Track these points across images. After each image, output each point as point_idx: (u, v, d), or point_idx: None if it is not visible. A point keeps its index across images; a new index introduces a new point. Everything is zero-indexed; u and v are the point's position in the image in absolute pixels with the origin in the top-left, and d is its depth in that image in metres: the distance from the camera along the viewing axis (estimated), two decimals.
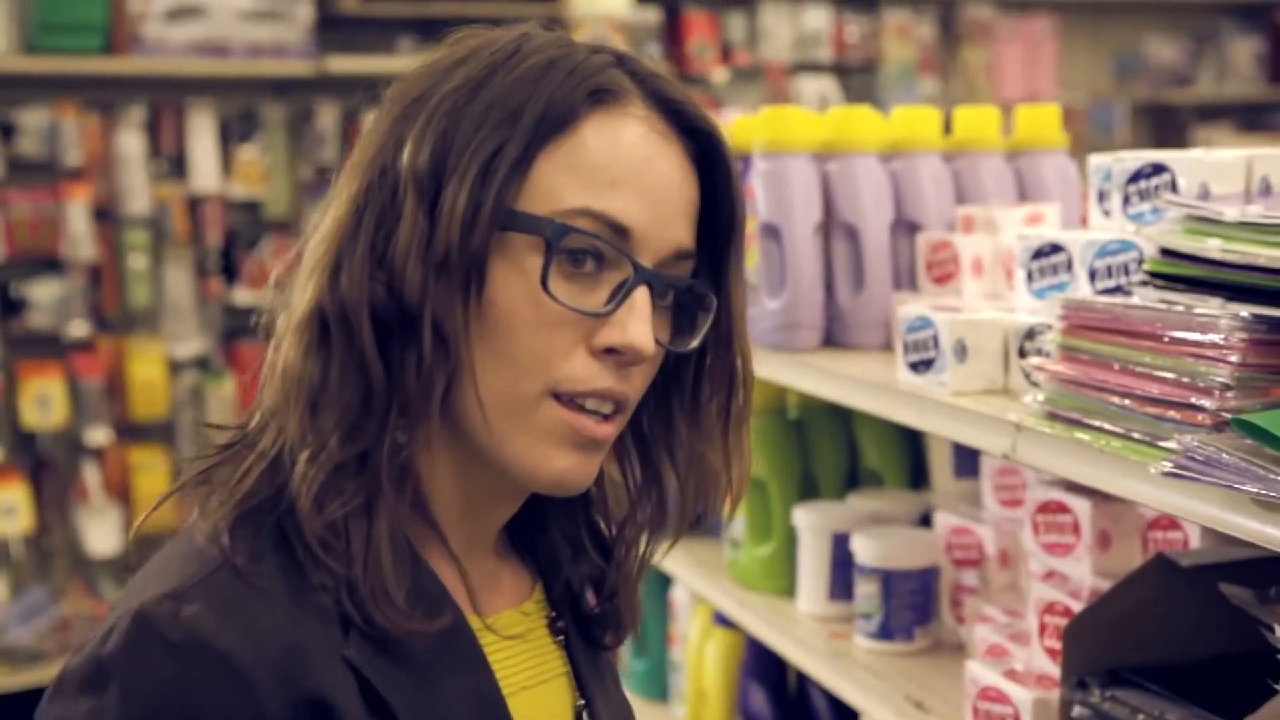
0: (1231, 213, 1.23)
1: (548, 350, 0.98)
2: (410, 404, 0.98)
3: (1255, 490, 1.05)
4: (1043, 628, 1.54)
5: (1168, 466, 1.12)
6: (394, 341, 0.98)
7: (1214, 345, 1.16)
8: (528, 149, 0.98)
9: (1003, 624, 1.64)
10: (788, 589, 2.00)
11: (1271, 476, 1.05)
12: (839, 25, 6.06)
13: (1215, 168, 1.40)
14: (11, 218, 4.52)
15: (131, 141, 4.67)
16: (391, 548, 0.96)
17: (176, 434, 4.86)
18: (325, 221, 1.01)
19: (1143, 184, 1.46)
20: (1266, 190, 1.40)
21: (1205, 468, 1.10)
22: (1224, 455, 1.09)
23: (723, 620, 2.17)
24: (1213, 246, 1.22)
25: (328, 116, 4.94)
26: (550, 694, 1.09)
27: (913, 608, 1.78)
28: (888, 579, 1.77)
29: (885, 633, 1.78)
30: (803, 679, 2.02)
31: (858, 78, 6.11)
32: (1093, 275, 1.47)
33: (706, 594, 2.15)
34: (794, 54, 5.98)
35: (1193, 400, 1.16)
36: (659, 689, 2.45)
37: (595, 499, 1.14)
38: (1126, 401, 1.23)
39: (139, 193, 4.68)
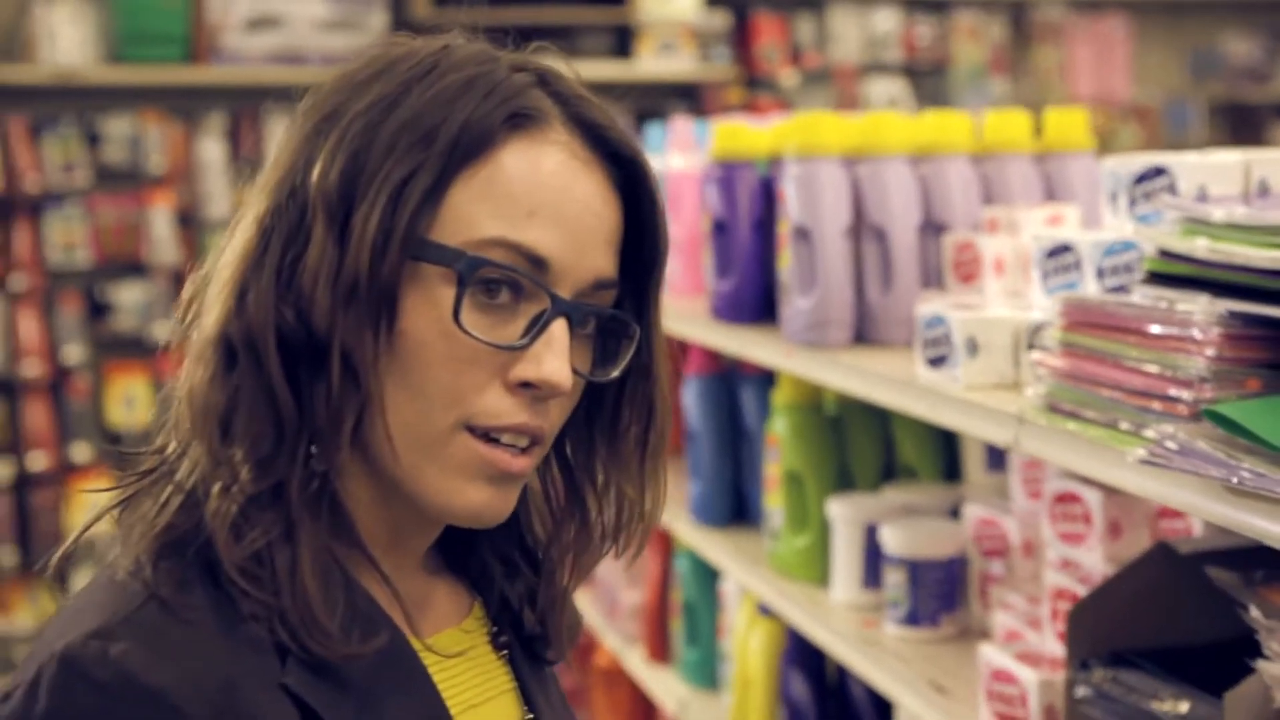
0: (1219, 214, 1.28)
1: (461, 384, 0.95)
2: (321, 434, 0.95)
3: (1218, 475, 1.10)
4: (1054, 613, 1.60)
5: (1143, 454, 1.18)
6: (303, 369, 0.94)
7: (1192, 339, 1.21)
8: (441, 175, 0.95)
9: (1022, 611, 1.69)
10: (824, 579, 2.07)
11: (1236, 464, 1.10)
12: (909, 27, 6.09)
13: (1214, 170, 1.44)
14: (98, 224, 4.68)
15: (212, 148, 4.82)
16: (318, 573, 0.93)
17: None
18: (233, 242, 0.97)
19: (1146, 186, 1.51)
20: (1264, 192, 1.45)
21: (1178, 456, 1.16)
22: (1197, 444, 1.15)
23: (766, 610, 2.23)
24: (1201, 246, 1.27)
25: None
26: (497, 711, 1.07)
27: (939, 596, 1.84)
28: (914, 568, 1.83)
29: (913, 620, 1.85)
30: (841, 666, 2.08)
31: (928, 79, 6.13)
32: (1100, 274, 1.52)
33: (750, 584, 2.22)
34: (863, 56, 6.01)
35: (1171, 392, 1.21)
36: (709, 678, 2.52)
37: (523, 518, 1.12)
38: (1116, 394, 1.29)
39: (220, 198, 4.82)
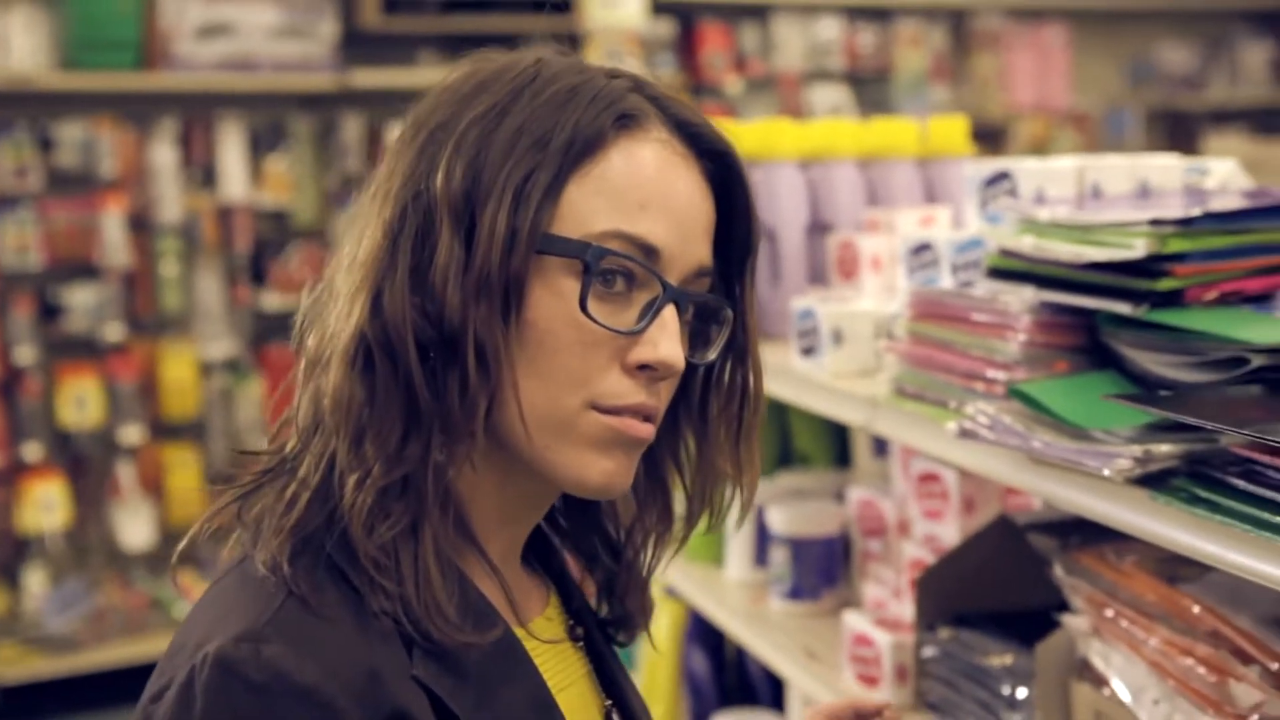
0: (1045, 214, 1.41)
1: (585, 368, 1.00)
2: (453, 424, 0.99)
3: (1018, 446, 1.23)
4: (912, 583, 1.72)
5: (957, 429, 1.31)
6: (436, 364, 0.98)
7: (1008, 327, 1.34)
8: (558, 175, 0.99)
9: (890, 583, 1.82)
10: (722, 560, 2.19)
11: (1032, 436, 1.23)
12: (851, 35, 6.19)
13: (1050, 175, 1.58)
14: (51, 227, 4.76)
15: (164, 154, 4.90)
16: (438, 564, 0.97)
17: (207, 433, 5.07)
18: (360, 249, 1.01)
19: (994, 189, 1.64)
20: (1097, 194, 1.58)
21: (987, 430, 1.29)
22: (1003, 419, 1.28)
23: (672, 592, 2.36)
24: (1028, 243, 1.40)
25: (352, 128, 5.15)
26: (580, 695, 1.11)
27: (819, 572, 1.96)
28: (796, 546, 1.96)
29: (795, 594, 1.97)
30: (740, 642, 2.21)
31: (870, 86, 6.24)
32: (954, 270, 1.65)
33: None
34: (807, 64, 6.11)
35: (989, 374, 1.34)
36: (626, 659, 2.64)
37: (604, 507, 1.16)
38: (949, 376, 1.42)
39: (171, 202, 4.90)
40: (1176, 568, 1.28)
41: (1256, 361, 1.12)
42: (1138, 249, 1.24)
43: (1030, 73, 6.53)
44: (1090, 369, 1.32)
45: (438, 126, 1.01)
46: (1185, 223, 1.24)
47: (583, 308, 0.99)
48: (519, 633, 1.04)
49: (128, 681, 4.57)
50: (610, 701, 1.13)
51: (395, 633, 0.95)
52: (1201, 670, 1.20)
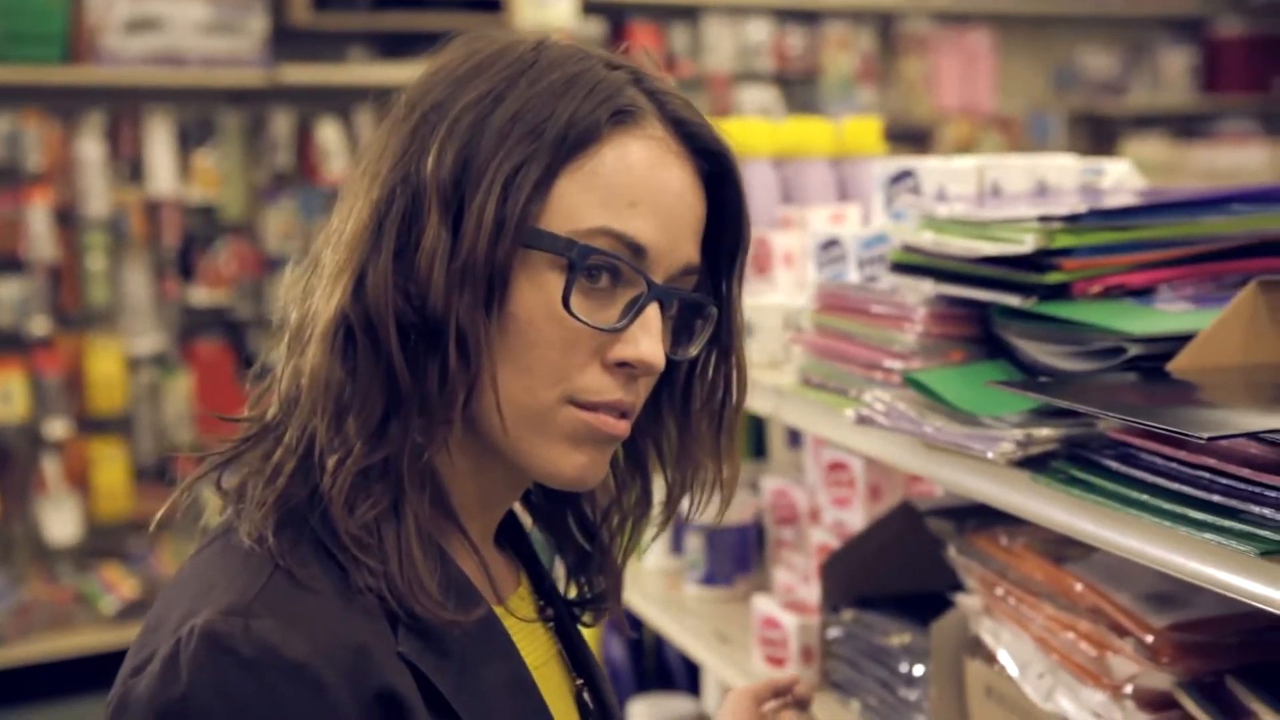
0: (944, 210, 1.47)
1: (565, 363, 1.00)
2: (432, 409, 0.98)
3: (910, 431, 1.29)
4: (819, 568, 1.78)
5: (853, 415, 1.37)
6: (417, 348, 0.98)
7: (905, 318, 1.40)
8: (549, 167, 0.98)
9: (800, 568, 1.87)
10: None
11: (924, 422, 1.29)
12: (780, 37, 6.26)
13: (952, 173, 1.64)
14: None
15: (91, 147, 4.88)
16: (420, 543, 0.97)
17: (134, 427, 5.06)
18: (347, 227, 1.00)
19: (898, 186, 1.70)
20: (996, 192, 1.64)
21: (883, 416, 1.35)
22: (898, 406, 1.34)
23: None
24: (927, 239, 1.46)
25: (282, 124, 5.15)
26: (552, 675, 1.11)
27: (733, 559, 2.02)
28: (710, 535, 2.01)
29: (709, 580, 2.02)
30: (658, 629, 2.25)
31: (799, 88, 6.31)
32: (860, 265, 1.71)
33: None
34: (736, 65, 6.18)
35: (886, 363, 1.40)
36: None
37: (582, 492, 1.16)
38: (850, 366, 1.48)
39: (98, 196, 4.89)
40: (1064, 549, 1.34)
41: (1133, 351, 1.19)
42: (1027, 244, 1.30)
43: (956, 76, 6.64)
44: (984, 359, 1.38)
45: (431, 108, 1.00)
46: (1072, 219, 1.30)
47: (565, 305, 0.99)
48: (498, 611, 1.05)
49: (53, 675, 4.60)
50: (581, 681, 1.15)
51: (380, 609, 0.95)
52: (1083, 645, 1.26)
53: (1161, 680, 1.19)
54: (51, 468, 4.85)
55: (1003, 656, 1.34)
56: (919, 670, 1.50)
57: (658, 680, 2.32)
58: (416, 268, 0.97)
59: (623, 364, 1.01)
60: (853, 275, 1.71)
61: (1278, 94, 6.90)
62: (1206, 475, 1.02)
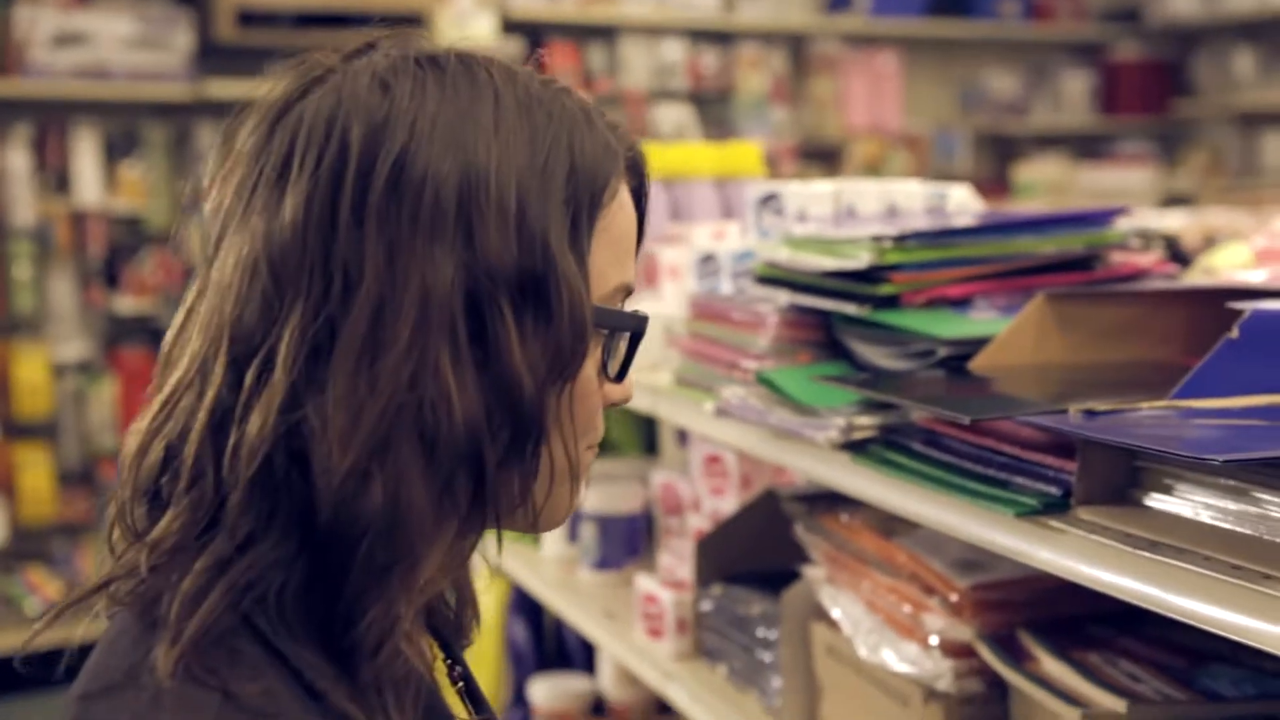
0: (800, 229, 1.66)
1: (597, 419, 0.98)
2: (509, 509, 0.92)
3: (757, 421, 1.48)
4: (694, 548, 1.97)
5: (712, 408, 1.56)
6: (503, 455, 0.89)
7: (759, 324, 1.59)
8: (589, 233, 0.92)
9: (680, 551, 2.06)
10: (539, 540, 2.42)
11: (769, 413, 1.48)
12: (695, 56, 6.45)
13: (812, 196, 1.83)
14: None
15: (17, 159, 4.99)
16: (417, 688, 0.90)
17: (59, 433, 5.17)
18: (401, 335, 0.85)
19: (765, 207, 1.89)
20: (851, 214, 1.84)
21: (737, 408, 1.54)
22: (750, 400, 1.53)
23: (496, 570, 2.58)
24: (784, 254, 1.65)
25: (206, 137, 5.29)
26: None
27: (623, 545, 2.20)
28: (602, 523, 2.19)
29: (601, 565, 2.21)
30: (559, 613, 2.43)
31: (713, 106, 6.50)
32: (734, 277, 1.90)
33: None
34: (652, 83, 6.36)
35: (743, 363, 1.59)
36: None
37: None
38: (715, 366, 1.67)
39: (25, 206, 5.00)
40: (893, 524, 1.54)
41: (942, 352, 1.38)
42: (862, 260, 1.49)
43: (865, 96, 6.86)
44: (827, 360, 1.57)
45: (447, 178, 0.88)
46: (900, 239, 1.50)
47: (622, 375, 0.98)
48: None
49: None
50: None
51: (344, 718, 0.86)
52: (903, 605, 1.46)
53: (964, 633, 1.39)
54: None
55: (839, 618, 1.53)
56: (773, 635, 1.69)
57: (557, 660, 2.50)
58: (501, 369, 0.87)
59: (616, 404, 1.00)
60: (726, 287, 1.90)
61: (1172, 115, 7.19)
62: (988, 453, 1.22)
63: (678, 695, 1.84)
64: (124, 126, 5.24)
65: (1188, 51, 7.20)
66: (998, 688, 1.38)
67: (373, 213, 0.86)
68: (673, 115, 6.38)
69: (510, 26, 5.99)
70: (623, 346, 0.98)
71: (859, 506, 1.58)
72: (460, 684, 1.08)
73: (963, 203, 1.86)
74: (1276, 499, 0.96)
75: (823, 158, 6.72)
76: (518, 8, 5.96)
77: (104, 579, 0.89)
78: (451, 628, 1.09)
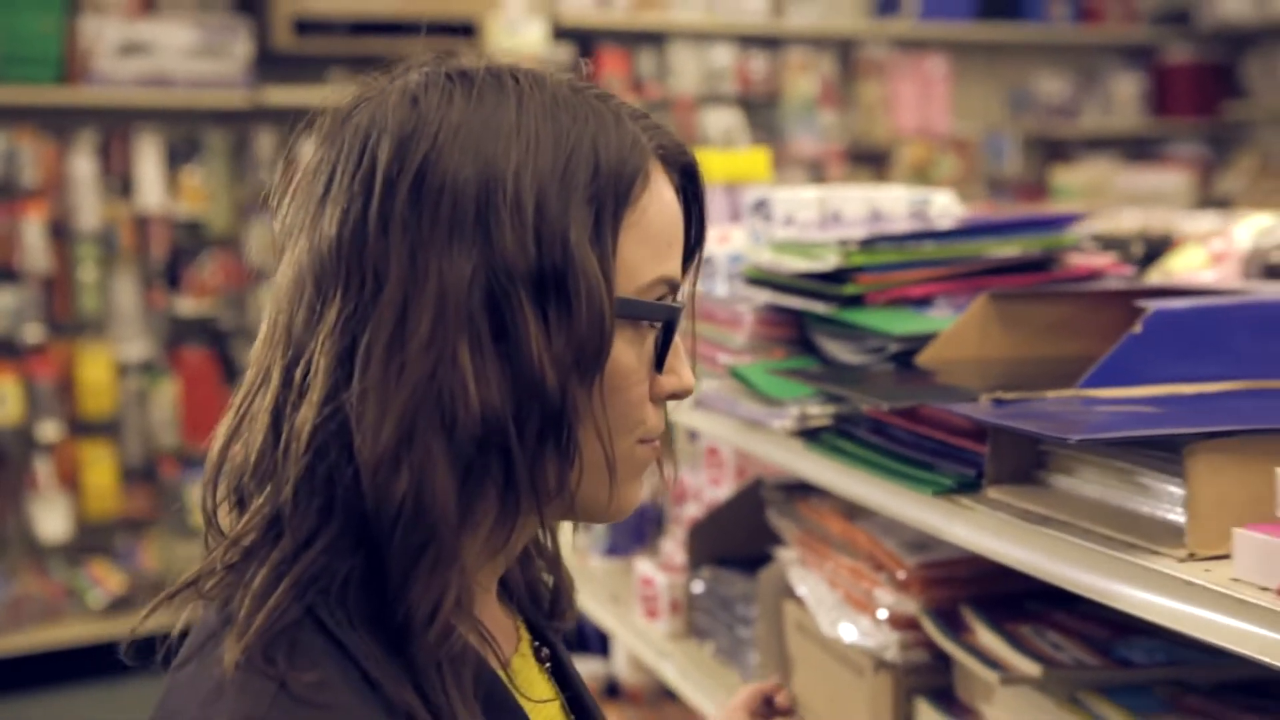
0: (782, 234, 1.77)
1: (639, 411, 0.99)
2: (547, 499, 0.94)
3: (726, 410, 1.59)
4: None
5: (692, 402, 1.67)
6: (534, 445, 0.93)
7: (737, 322, 1.70)
8: (615, 229, 0.95)
9: (680, 538, 2.17)
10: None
11: (740, 405, 1.59)
12: (744, 61, 6.54)
13: (800, 202, 1.93)
14: None
15: (83, 164, 5.18)
16: (474, 672, 0.93)
17: (122, 431, 5.34)
18: (419, 328, 0.90)
19: (757, 213, 2.00)
20: (838, 219, 1.94)
21: (714, 400, 1.65)
22: (724, 392, 1.64)
23: None
24: (767, 257, 1.76)
25: (265, 143, 5.45)
26: None
27: (632, 534, 2.32)
28: None
29: (610, 551, 2.33)
30: None
31: (762, 111, 6.58)
32: (729, 278, 2.01)
33: None
34: (701, 88, 6.44)
35: (721, 359, 1.70)
36: None
37: None
38: (701, 362, 1.78)
39: (90, 211, 5.18)
40: (857, 509, 1.64)
41: (893, 348, 1.49)
42: (830, 262, 1.60)
43: (913, 100, 6.91)
44: (799, 355, 1.68)
45: (468, 181, 0.92)
46: (866, 242, 1.60)
47: (659, 367, 1.00)
48: (505, 680, 1.00)
49: (43, 666, 4.86)
50: None
51: (401, 706, 0.89)
52: (861, 584, 1.56)
53: (911, 607, 1.49)
54: (44, 468, 5.11)
55: (804, 595, 1.64)
56: (752, 614, 1.80)
57: (576, 646, 2.62)
58: (522, 362, 0.91)
59: (671, 395, 1.02)
60: (721, 288, 2.01)
61: (1223, 118, 7.20)
62: (921, 439, 1.32)
63: (669, 672, 1.95)
64: (185, 133, 5.41)
65: (1239, 54, 7.21)
66: (944, 658, 1.48)
67: (397, 218, 0.92)
68: (722, 120, 6.47)
69: (561, 33, 6.10)
70: (663, 339, 1.00)
71: (827, 494, 1.68)
72: (548, 664, 1.10)
73: (945, 208, 1.96)
74: (1154, 478, 1.06)
75: (871, 161, 6.79)
76: (569, 14, 6.07)
77: (191, 576, 0.95)
78: (543, 612, 1.14)
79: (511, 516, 0.95)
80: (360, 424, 0.90)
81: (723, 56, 6.47)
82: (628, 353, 0.97)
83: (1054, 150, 7.30)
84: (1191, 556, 0.97)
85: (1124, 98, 7.38)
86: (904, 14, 6.78)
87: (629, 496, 1.02)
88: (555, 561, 1.15)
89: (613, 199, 0.95)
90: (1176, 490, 1.03)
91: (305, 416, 0.91)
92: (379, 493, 0.89)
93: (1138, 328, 1.23)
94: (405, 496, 0.89)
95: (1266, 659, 0.88)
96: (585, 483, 0.96)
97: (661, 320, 0.99)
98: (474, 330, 0.91)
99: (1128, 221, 3.00)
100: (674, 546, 2.16)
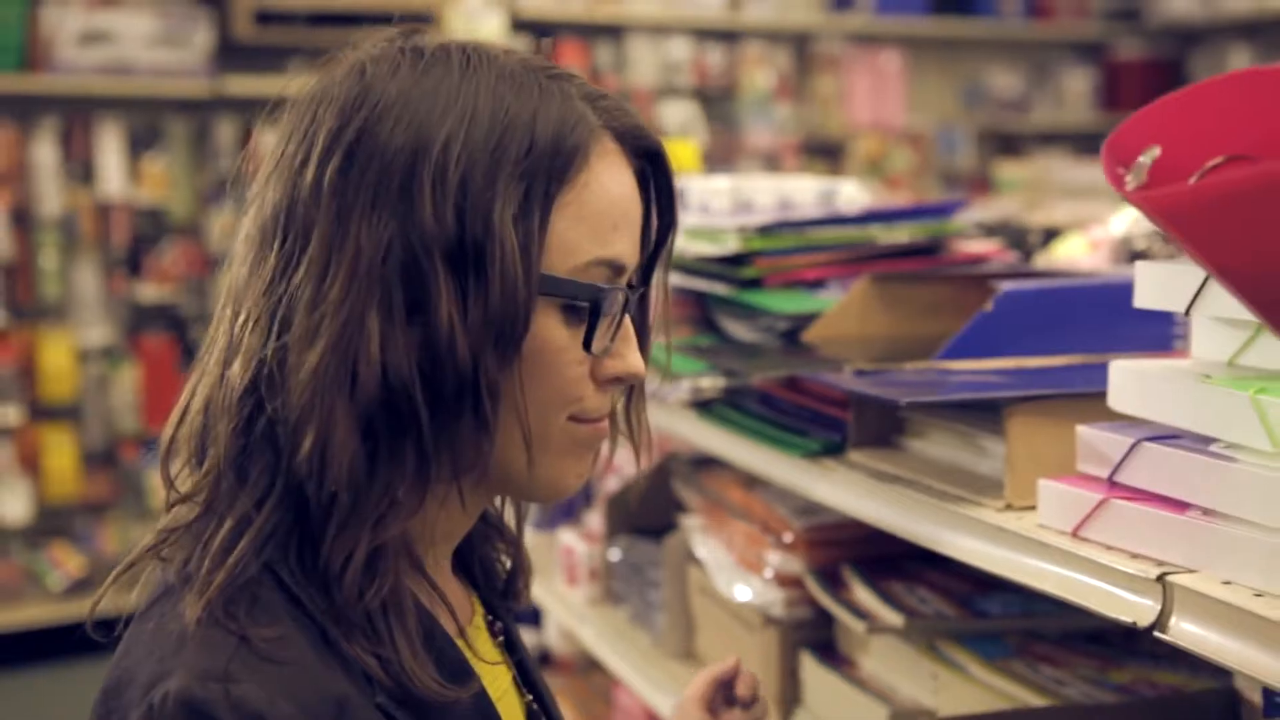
0: (692, 220, 1.88)
1: (571, 390, 0.99)
2: (464, 469, 0.96)
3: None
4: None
5: None
6: (444, 415, 0.94)
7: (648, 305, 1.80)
8: (545, 206, 0.95)
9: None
10: None
11: (665, 390, 1.70)
12: (700, 54, 6.63)
13: (713, 191, 2.04)
14: None
15: (45, 152, 5.24)
16: (420, 626, 0.96)
17: (83, 415, 5.40)
18: (330, 291, 0.92)
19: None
20: (749, 207, 2.05)
21: None
22: None
23: None
24: (680, 243, 1.86)
25: (225, 132, 5.52)
26: (510, 703, 1.09)
27: (560, 509, 2.42)
28: None
29: (539, 526, 2.43)
30: None
31: (718, 103, 6.68)
32: None
33: None
34: (658, 81, 6.54)
35: None
36: None
37: None
38: None
39: (51, 198, 5.24)
40: (756, 480, 1.75)
41: (781, 326, 1.60)
42: (731, 246, 1.71)
43: (868, 94, 7.01)
44: (702, 333, 1.79)
45: (400, 149, 0.94)
46: (764, 228, 1.71)
47: (587, 348, 0.99)
48: (460, 644, 1.01)
49: (2, 648, 4.91)
50: (531, 697, 1.13)
51: (358, 665, 0.92)
52: (756, 547, 1.68)
53: (796, 567, 1.60)
54: (4, 452, 5.17)
55: (704, 559, 1.75)
56: (661, 578, 1.91)
57: None
58: (434, 331, 0.93)
59: (615, 380, 1.02)
60: None
61: None
62: (799, 408, 1.43)
63: (587, 635, 2.06)
64: (146, 121, 5.47)
65: (1187, 50, 7.35)
66: (827, 615, 1.59)
67: (329, 183, 0.94)
68: (678, 112, 6.56)
69: (519, 25, 6.18)
70: (605, 322, 0.99)
71: (729, 466, 1.79)
72: (500, 637, 1.12)
73: (852, 196, 2.07)
74: (989, 440, 1.18)
75: (826, 154, 6.89)
76: (527, 7, 6.14)
77: (151, 541, 0.98)
78: (497, 591, 1.15)
79: (424, 483, 0.95)
80: (276, 381, 0.93)
81: (680, 50, 6.55)
82: (559, 331, 0.97)
83: (1006, 144, 7.42)
84: (1009, 507, 1.09)
85: (1075, 93, 7.50)
86: (859, 9, 6.89)
87: (561, 473, 1.02)
88: (515, 544, 1.16)
89: (545, 175, 0.95)
90: (1003, 449, 1.14)
91: (236, 372, 0.95)
92: (293, 449, 0.92)
93: (989, 306, 1.34)
94: (312, 453, 0.91)
95: (1062, 594, 0.99)
96: (504, 456, 0.97)
97: (588, 300, 0.97)
98: (386, 296, 0.92)
99: (1060, 214, 3.13)
100: (596, 518, 2.27)
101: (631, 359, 1.02)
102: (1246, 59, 6.90)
